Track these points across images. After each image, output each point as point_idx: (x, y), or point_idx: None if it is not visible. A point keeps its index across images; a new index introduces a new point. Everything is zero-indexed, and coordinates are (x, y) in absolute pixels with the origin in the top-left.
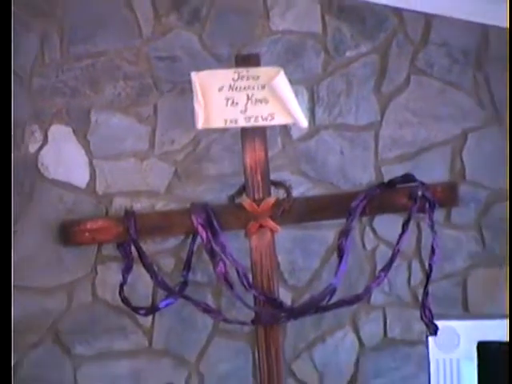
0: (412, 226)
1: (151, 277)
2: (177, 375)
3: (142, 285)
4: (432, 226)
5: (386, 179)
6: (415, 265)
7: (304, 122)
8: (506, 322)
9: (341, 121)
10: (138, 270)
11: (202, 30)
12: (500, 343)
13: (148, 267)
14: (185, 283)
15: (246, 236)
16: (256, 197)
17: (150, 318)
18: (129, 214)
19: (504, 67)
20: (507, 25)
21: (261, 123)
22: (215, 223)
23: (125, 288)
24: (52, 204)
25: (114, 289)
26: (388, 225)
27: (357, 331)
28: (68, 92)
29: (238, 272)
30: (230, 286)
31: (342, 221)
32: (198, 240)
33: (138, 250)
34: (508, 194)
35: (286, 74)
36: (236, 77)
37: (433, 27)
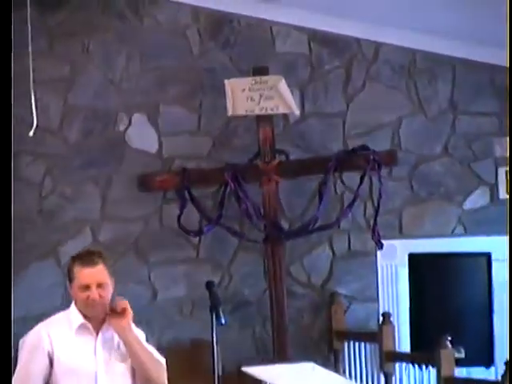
0: (366, 179)
1: (198, 211)
2: (215, 276)
3: (192, 217)
4: (379, 179)
5: (350, 148)
6: (369, 204)
7: (297, 112)
8: (506, 317)
9: (321, 111)
10: (190, 207)
11: (231, 52)
12: (424, 255)
13: (196, 205)
14: (220, 216)
15: (259, 186)
16: (266, 160)
17: (197, 238)
18: (184, 171)
19: (427, 76)
20: (507, 26)
21: (269, 112)
22: (240, 177)
23: (181, 218)
24: (134, 164)
25: (174, 219)
26: (351, 178)
27: (331, 246)
28: (145, 92)
29: (254, 209)
30: (249, 217)
31: (322, 175)
32: (229, 188)
33: (190, 194)
34: (509, 193)
35: (285, 80)
36: (253, 82)
37: (380, 51)
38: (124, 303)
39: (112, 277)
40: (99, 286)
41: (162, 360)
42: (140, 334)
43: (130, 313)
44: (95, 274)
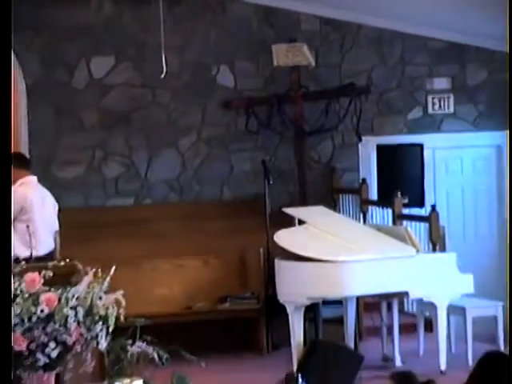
0: (353, 101)
1: (257, 120)
2: (266, 157)
3: (253, 123)
4: (360, 102)
5: (343, 84)
6: (354, 116)
7: (313, 64)
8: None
9: (326, 63)
10: (252, 119)
11: (276, 29)
12: (385, 145)
13: (256, 117)
14: (269, 123)
15: (292, 105)
16: (295, 91)
17: (257, 136)
18: (249, 98)
19: (388, 43)
20: (507, 27)
21: (297, 64)
22: (280, 101)
23: (247, 125)
24: (221, 94)
25: (243, 125)
26: (344, 101)
27: (333, 140)
28: (228, 52)
29: (288, 118)
30: (286, 123)
31: (327, 100)
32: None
33: (252, 111)
34: (508, 194)
35: (306, 46)
36: (288, 47)
37: (361, 29)
38: None
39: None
40: None
41: None
42: None
43: None
44: None
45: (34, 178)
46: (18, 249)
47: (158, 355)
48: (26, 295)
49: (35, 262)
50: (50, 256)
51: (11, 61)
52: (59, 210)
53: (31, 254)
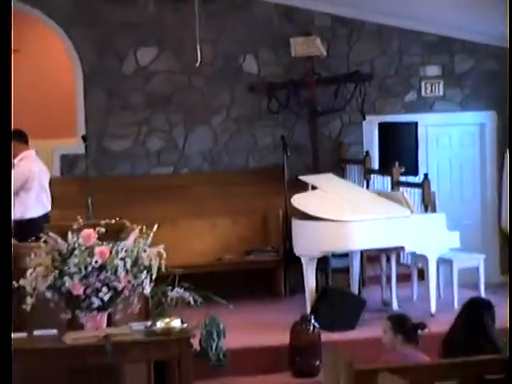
0: (358, 87)
1: (276, 101)
2: (285, 132)
3: (274, 104)
4: (365, 86)
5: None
6: (359, 99)
7: (324, 54)
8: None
9: (336, 53)
10: (273, 101)
11: (294, 25)
12: (386, 123)
13: (276, 98)
14: (287, 104)
15: (307, 90)
16: (309, 77)
17: (277, 115)
18: (270, 83)
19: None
20: (507, 27)
21: (311, 54)
22: (296, 86)
23: (269, 105)
24: (246, 79)
25: (265, 106)
26: (350, 86)
27: (341, 119)
28: (260, 44)
29: (303, 100)
30: (301, 104)
31: (336, 84)
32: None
33: (273, 93)
34: (509, 194)
35: (319, 39)
36: (304, 39)
37: (365, 24)
38: None
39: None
40: None
41: None
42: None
43: None
44: None
45: (33, 152)
46: (30, 211)
47: (193, 299)
48: (83, 248)
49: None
50: (46, 216)
51: (10, 52)
52: None
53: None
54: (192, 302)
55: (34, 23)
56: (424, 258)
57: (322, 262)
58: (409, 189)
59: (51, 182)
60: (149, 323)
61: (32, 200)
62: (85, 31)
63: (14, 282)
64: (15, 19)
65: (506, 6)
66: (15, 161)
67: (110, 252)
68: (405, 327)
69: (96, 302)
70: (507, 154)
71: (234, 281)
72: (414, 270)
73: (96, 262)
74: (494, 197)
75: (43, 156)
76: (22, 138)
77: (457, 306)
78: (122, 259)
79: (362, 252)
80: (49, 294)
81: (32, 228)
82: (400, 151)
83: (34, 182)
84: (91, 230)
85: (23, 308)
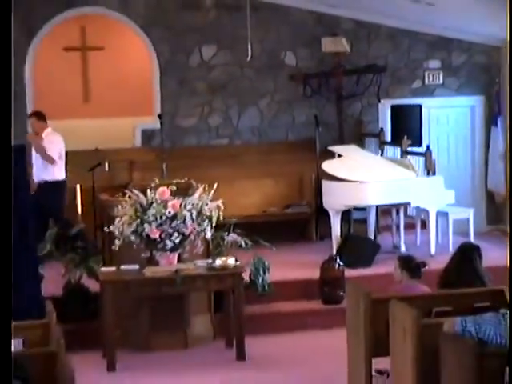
0: (375, 76)
1: (310, 87)
2: (317, 111)
3: (308, 89)
4: (380, 76)
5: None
6: (375, 86)
7: (349, 50)
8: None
9: (358, 50)
10: (307, 87)
11: (324, 28)
12: (398, 105)
13: (310, 86)
14: (319, 89)
15: (334, 79)
16: (336, 69)
17: (309, 96)
18: (306, 74)
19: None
20: (507, 26)
21: (338, 51)
22: (326, 75)
23: (305, 90)
24: (287, 71)
25: (301, 91)
26: (368, 77)
27: (361, 102)
28: (291, 42)
29: (332, 86)
30: (330, 90)
31: (357, 75)
32: (323, 79)
33: (308, 82)
34: (508, 193)
35: (344, 39)
36: (332, 39)
37: (382, 27)
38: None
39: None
40: None
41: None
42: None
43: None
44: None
45: (50, 129)
46: (64, 174)
47: (244, 242)
48: (159, 202)
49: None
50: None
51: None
52: None
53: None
54: (243, 245)
55: (117, 25)
56: (426, 212)
57: (345, 214)
58: (414, 157)
59: (134, 151)
60: (209, 261)
61: (63, 165)
62: (161, 32)
63: (105, 228)
64: (101, 21)
65: (506, 7)
66: (43, 135)
67: (180, 205)
68: (410, 265)
69: (169, 244)
70: (492, 129)
71: (276, 228)
72: (417, 221)
73: (169, 212)
74: (482, 164)
75: (128, 130)
76: (43, 117)
77: (451, 248)
78: (189, 211)
79: (376, 206)
80: (132, 238)
81: (65, 186)
82: (407, 127)
83: (63, 151)
84: (165, 188)
85: (112, 248)
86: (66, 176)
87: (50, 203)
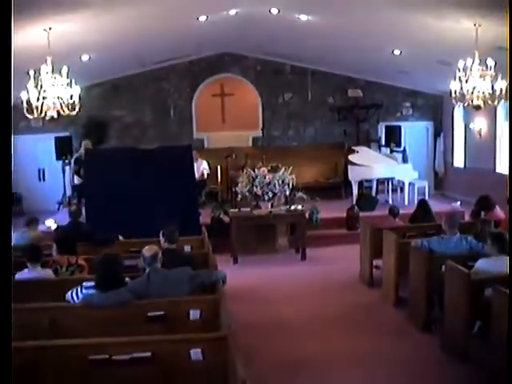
0: None
1: None
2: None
3: None
4: None
5: None
6: None
7: (361, 95)
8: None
9: (365, 96)
10: None
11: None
12: (389, 126)
13: None
14: None
15: None
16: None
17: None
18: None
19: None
20: (507, 27)
21: (357, 95)
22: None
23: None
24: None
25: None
26: None
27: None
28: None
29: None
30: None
31: None
32: None
33: None
34: (509, 191)
35: None
36: (353, 90)
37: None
38: None
39: None
40: None
41: None
42: None
43: None
44: None
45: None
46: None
47: (306, 197)
48: (261, 175)
49: None
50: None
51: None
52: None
53: None
54: (305, 198)
55: (240, 82)
56: (402, 182)
57: (360, 183)
58: (397, 153)
59: (248, 148)
60: (287, 207)
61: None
62: (263, 86)
63: (233, 189)
64: (231, 80)
65: (506, 7)
66: (197, 158)
67: (272, 177)
68: (393, 211)
69: (266, 198)
70: (437, 139)
71: (322, 191)
72: (398, 188)
73: (267, 181)
74: (431, 157)
75: (245, 137)
76: (196, 154)
77: (415, 202)
78: (277, 180)
79: (377, 179)
80: (247, 193)
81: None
82: (393, 137)
83: (206, 167)
84: (264, 168)
85: (236, 199)
86: (210, 169)
87: (201, 183)
